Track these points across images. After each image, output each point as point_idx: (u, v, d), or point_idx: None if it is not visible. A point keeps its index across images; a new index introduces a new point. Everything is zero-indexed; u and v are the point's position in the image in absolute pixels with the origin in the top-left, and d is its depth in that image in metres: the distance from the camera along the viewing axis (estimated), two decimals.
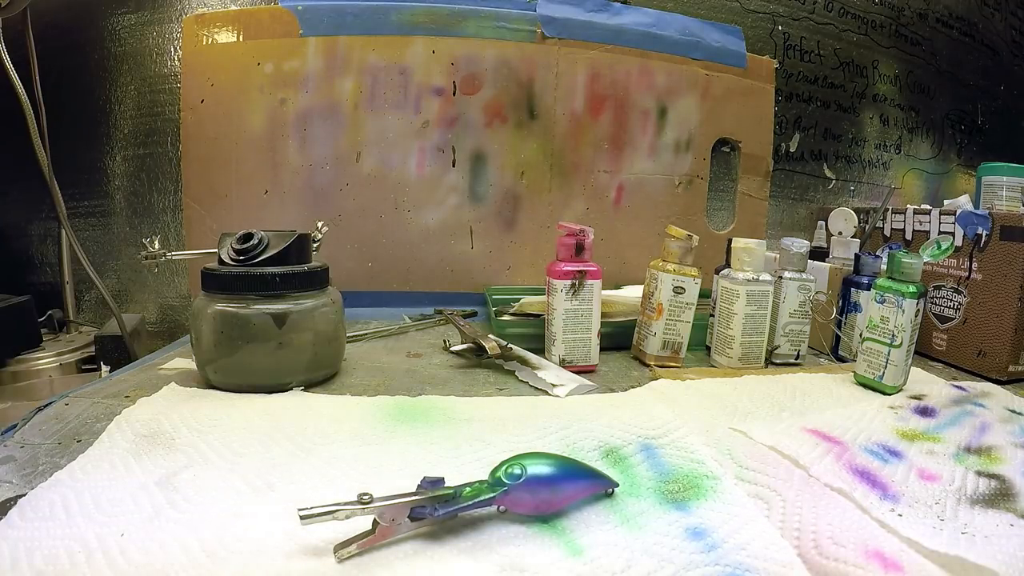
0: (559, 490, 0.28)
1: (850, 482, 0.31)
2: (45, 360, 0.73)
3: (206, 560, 0.24)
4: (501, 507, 0.27)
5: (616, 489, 0.30)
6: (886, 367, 0.47)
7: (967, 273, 0.57)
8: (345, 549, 0.24)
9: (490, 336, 0.56)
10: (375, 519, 0.25)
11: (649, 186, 0.86)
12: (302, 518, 0.23)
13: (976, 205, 0.74)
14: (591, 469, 0.30)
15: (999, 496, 0.30)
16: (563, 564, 0.24)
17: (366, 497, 0.25)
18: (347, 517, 0.24)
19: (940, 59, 1.09)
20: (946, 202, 0.80)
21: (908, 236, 0.68)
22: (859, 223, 0.73)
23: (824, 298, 0.60)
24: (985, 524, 0.27)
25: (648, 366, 0.56)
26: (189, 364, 0.52)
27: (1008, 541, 0.26)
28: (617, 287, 0.78)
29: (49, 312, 0.82)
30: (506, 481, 0.27)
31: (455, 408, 0.42)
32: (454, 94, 0.79)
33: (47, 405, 0.41)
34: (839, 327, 0.59)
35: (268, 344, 0.44)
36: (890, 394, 0.47)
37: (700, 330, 0.59)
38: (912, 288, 0.46)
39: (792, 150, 1.01)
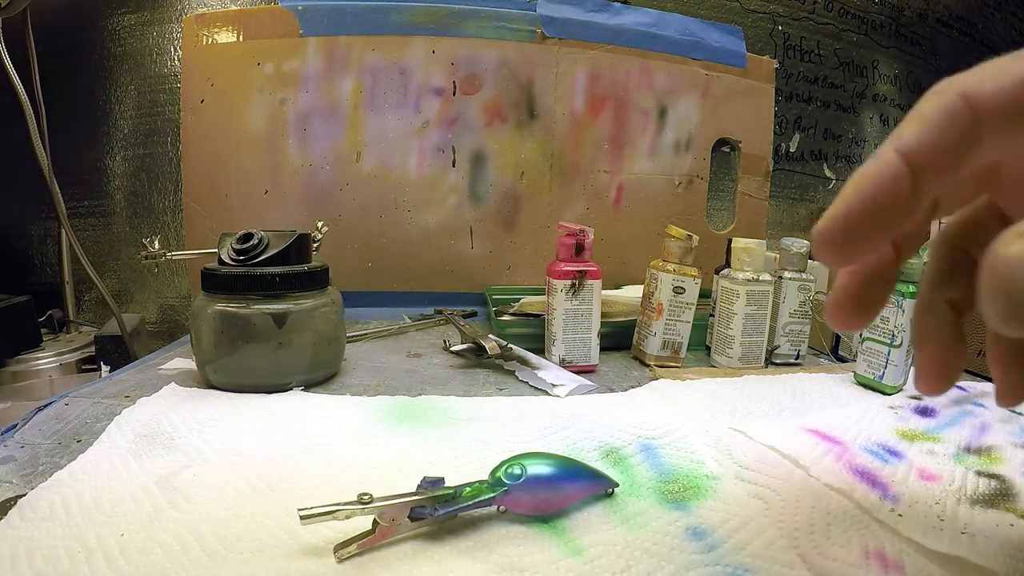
0: (559, 490, 0.28)
1: (850, 482, 0.31)
2: (45, 360, 0.73)
3: (206, 560, 0.24)
4: (501, 507, 0.27)
5: (616, 489, 0.30)
6: (886, 367, 0.47)
7: None
8: (345, 549, 0.24)
9: (490, 336, 0.56)
10: (375, 519, 0.25)
11: (649, 186, 0.86)
12: (302, 518, 0.23)
13: None
14: (591, 469, 0.30)
15: (999, 496, 0.30)
16: (563, 564, 0.24)
17: (366, 497, 0.25)
18: (347, 517, 0.24)
19: (940, 59, 1.09)
20: None
21: None
22: None
23: (824, 298, 0.60)
24: (985, 524, 0.27)
25: (648, 366, 0.56)
26: (189, 364, 0.52)
27: (1008, 541, 0.26)
28: (617, 287, 0.78)
29: (49, 312, 0.82)
30: (506, 481, 0.27)
31: (455, 408, 0.42)
32: (454, 94, 0.79)
33: (47, 405, 0.41)
34: None
35: (268, 344, 0.44)
36: (890, 394, 0.47)
37: (700, 330, 0.59)
38: (912, 288, 0.46)
39: (792, 150, 1.01)
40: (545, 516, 0.28)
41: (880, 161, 0.18)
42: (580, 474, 0.29)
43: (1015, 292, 0.13)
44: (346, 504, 0.24)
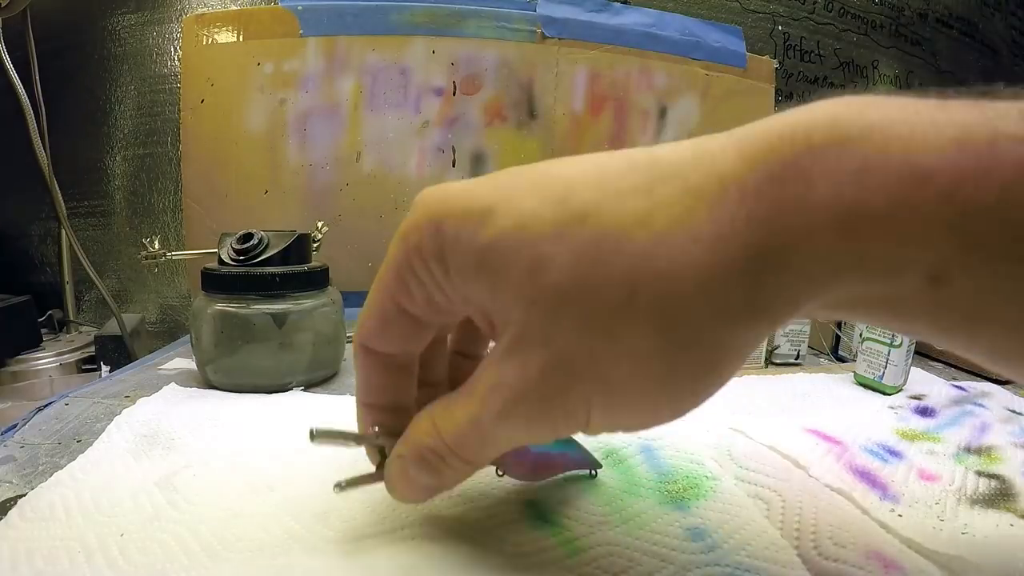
0: (552, 458, 0.28)
1: (850, 482, 0.31)
2: (45, 360, 0.73)
3: (206, 560, 0.24)
4: (500, 471, 0.27)
5: (599, 472, 0.31)
6: (886, 367, 0.47)
7: None
8: (345, 487, 0.24)
9: None
10: (382, 453, 0.24)
11: None
12: (315, 437, 0.23)
13: None
14: (579, 445, 0.31)
15: (999, 496, 0.30)
16: (563, 564, 0.24)
17: (380, 430, 0.25)
18: (358, 444, 0.24)
19: (940, 59, 1.09)
20: None
21: None
22: None
23: None
24: (985, 524, 0.27)
25: None
26: (189, 364, 0.52)
27: (1008, 541, 0.26)
28: None
29: (49, 312, 0.82)
30: None
31: None
32: (454, 94, 0.79)
33: (47, 405, 0.41)
34: (839, 327, 0.59)
35: (268, 344, 0.44)
36: (890, 394, 0.47)
37: None
38: None
39: None
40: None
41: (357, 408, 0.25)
42: (570, 447, 0.30)
43: (394, 491, 0.23)
44: (360, 434, 0.25)
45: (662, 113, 0.85)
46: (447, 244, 0.17)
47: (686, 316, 0.15)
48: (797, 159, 0.14)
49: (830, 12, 1.01)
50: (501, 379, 0.17)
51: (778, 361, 0.58)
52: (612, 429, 0.18)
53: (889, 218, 0.13)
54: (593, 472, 0.30)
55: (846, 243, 0.14)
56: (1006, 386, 0.51)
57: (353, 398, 0.45)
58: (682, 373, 0.16)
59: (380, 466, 0.25)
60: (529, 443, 0.20)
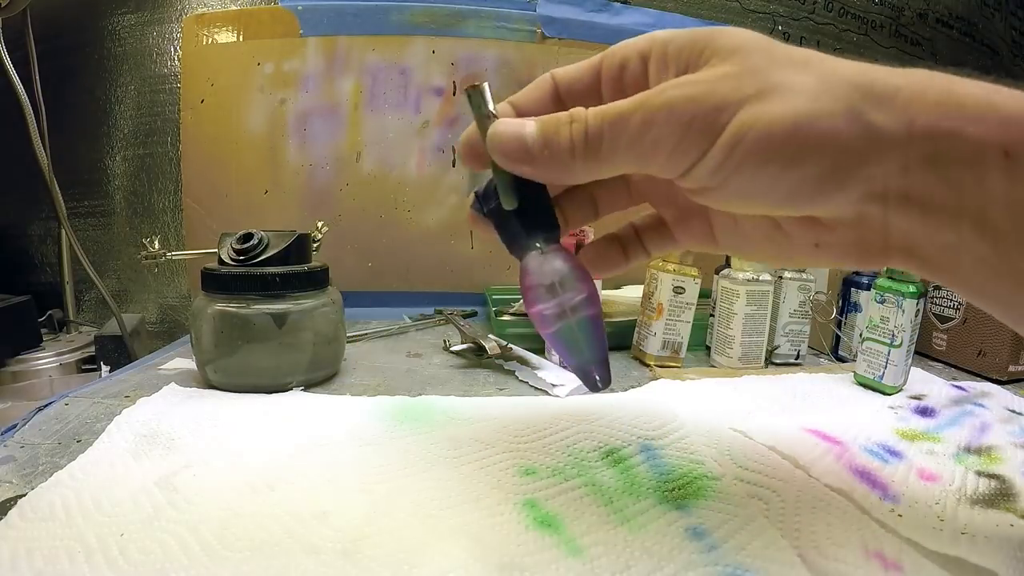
0: (578, 301, 0.28)
1: (850, 482, 0.31)
2: (45, 360, 0.73)
3: (206, 560, 0.24)
4: (542, 245, 0.28)
5: (608, 386, 0.28)
6: (886, 367, 0.47)
7: None
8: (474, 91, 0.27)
9: (490, 336, 0.56)
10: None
11: None
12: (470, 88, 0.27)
13: None
14: (605, 348, 0.29)
15: (999, 496, 0.30)
16: (563, 564, 0.24)
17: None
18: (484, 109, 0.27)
19: (940, 59, 1.09)
20: None
21: None
22: None
23: (824, 298, 0.60)
24: (985, 524, 0.27)
25: (648, 366, 0.56)
26: (189, 364, 0.52)
27: (1008, 541, 0.26)
28: (617, 287, 0.78)
29: (49, 312, 0.82)
30: (557, 242, 0.28)
31: (455, 408, 0.42)
32: (454, 94, 0.79)
33: (47, 405, 0.41)
34: (839, 327, 0.59)
35: (268, 344, 0.44)
36: (890, 394, 0.47)
37: (700, 330, 0.59)
38: (912, 288, 0.46)
39: None
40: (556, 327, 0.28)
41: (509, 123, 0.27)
42: (601, 341, 0.28)
43: (496, 132, 0.26)
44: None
45: None
46: (668, 40, 0.24)
47: (831, 89, 0.21)
48: (926, 75, 0.21)
49: (830, 12, 1.01)
50: (677, 79, 0.22)
51: (778, 361, 0.58)
52: (713, 180, 0.22)
53: (980, 105, 0.20)
54: (600, 384, 0.28)
55: (946, 120, 0.20)
56: (1006, 386, 0.51)
57: (352, 398, 0.45)
58: (802, 138, 0.20)
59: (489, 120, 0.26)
60: (644, 166, 0.23)
